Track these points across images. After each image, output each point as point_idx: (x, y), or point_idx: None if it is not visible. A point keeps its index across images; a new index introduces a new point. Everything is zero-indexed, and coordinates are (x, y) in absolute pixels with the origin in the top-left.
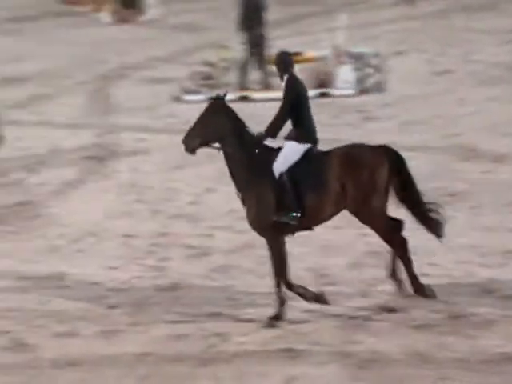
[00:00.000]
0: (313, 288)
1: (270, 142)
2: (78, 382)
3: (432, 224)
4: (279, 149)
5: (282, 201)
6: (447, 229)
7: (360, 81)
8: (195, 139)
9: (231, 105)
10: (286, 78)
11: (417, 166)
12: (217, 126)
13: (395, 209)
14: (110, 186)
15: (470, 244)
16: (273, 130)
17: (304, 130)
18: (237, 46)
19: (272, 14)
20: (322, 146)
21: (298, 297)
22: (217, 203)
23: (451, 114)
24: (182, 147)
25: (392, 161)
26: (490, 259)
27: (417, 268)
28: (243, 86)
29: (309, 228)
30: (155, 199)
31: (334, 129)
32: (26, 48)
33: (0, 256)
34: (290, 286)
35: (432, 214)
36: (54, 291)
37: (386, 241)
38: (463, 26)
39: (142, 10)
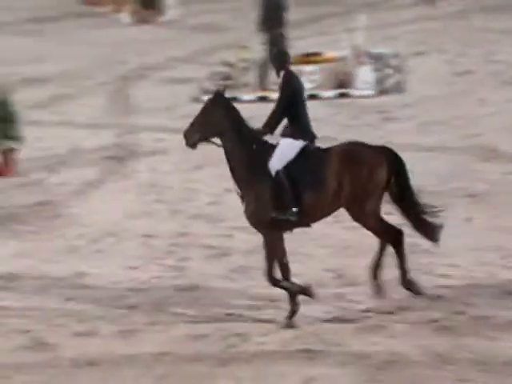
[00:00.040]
0: (332, 289)
1: (269, 138)
2: (97, 382)
3: (427, 228)
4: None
5: (281, 197)
6: (464, 230)
7: (379, 81)
8: (195, 134)
9: (235, 103)
10: (282, 74)
11: (436, 166)
12: (216, 121)
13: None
14: (130, 186)
15: (491, 245)
16: (270, 125)
17: (300, 127)
18: (256, 47)
19: (292, 14)
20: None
21: (284, 291)
22: (236, 203)
23: (471, 115)
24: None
25: (391, 161)
26: (511, 261)
27: (437, 269)
28: (263, 87)
29: (307, 225)
30: (175, 199)
31: (354, 129)
32: (47, 49)
33: (20, 256)
34: (275, 282)
35: (427, 218)
36: (73, 291)
37: (381, 237)
38: (482, 27)
39: (161, 10)
